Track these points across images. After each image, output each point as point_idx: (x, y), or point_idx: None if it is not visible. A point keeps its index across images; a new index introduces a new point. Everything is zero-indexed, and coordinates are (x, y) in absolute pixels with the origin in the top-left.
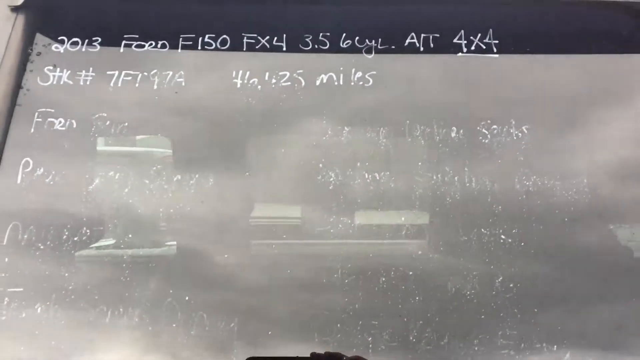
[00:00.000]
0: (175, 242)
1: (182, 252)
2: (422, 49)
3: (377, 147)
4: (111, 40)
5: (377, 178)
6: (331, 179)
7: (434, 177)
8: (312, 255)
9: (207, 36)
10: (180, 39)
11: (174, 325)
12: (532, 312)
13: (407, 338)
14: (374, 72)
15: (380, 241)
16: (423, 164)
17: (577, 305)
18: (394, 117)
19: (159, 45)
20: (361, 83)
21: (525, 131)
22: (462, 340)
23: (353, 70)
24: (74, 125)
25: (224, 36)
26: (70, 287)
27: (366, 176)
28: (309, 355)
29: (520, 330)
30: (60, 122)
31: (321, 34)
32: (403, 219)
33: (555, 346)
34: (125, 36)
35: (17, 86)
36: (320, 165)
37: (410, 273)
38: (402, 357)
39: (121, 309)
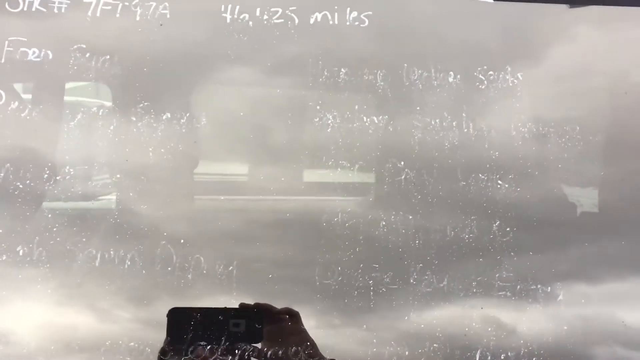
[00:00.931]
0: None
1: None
2: None
3: (375, 89)
4: None
5: (376, 121)
6: (329, 122)
7: (432, 122)
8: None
9: None
10: None
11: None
12: (527, 255)
13: (408, 281)
14: (370, 13)
15: (382, 184)
16: (421, 108)
17: (571, 248)
18: (391, 60)
19: None
20: (357, 23)
21: (521, 78)
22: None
23: (348, 9)
24: (50, 57)
25: None
26: (54, 229)
27: (365, 119)
28: (237, 307)
29: (516, 272)
30: (34, 52)
31: None
32: (402, 163)
33: (549, 287)
34: None
35: None
36: (318, 107)
37: (410, 217)
38: (403, 299)
39: (112, 252)
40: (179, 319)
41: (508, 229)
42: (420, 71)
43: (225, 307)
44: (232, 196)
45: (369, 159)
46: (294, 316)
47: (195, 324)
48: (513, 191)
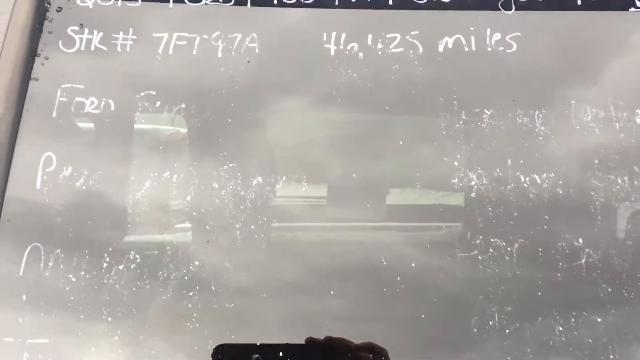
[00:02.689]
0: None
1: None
2: (579, 2)
3: (534, 137)
4: None
5: (538, 181)
6: (473, 183)
7: (619, 181)
8: None
9: None
10: None
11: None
12: None
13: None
14: (518, 34)
15: (553, 271)
16: (601, 162)
17: None
18: (552, 95)
19: None
20: (501, 48)
21: None
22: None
23: (488, 31)
24: (112, 107)
25: None
26: (115, 338)
27: (522, 179)
28: (303, 342)
29: None
30: (92, 102)
31: None
32: (580, 241)
33: None
34: None
35: (32, 53)
36: (456, 163)
37: (599, 318)
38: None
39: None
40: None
41: None
42: (594, 110)
43: (287, 344)
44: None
45: (532, 234)
46: (379, 353)
47: None
48: None
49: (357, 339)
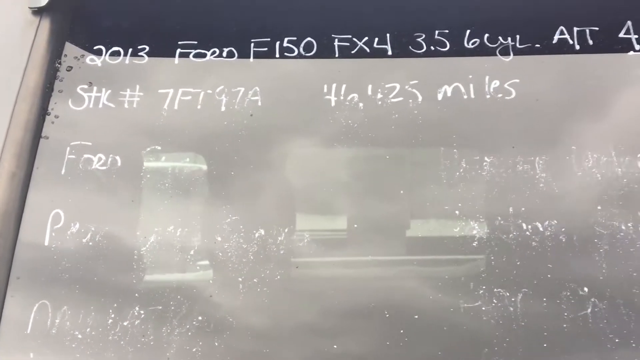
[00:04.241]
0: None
1: None
2: (577, 47)
3: (535, 184)
4: (163, 49)
5: (541, 229)
6: (474, 232)
7: (622, 227)
8: None
9: (286, 39)
10: (252, 44)
11: None
12: None
13: None
14: (516, 81)
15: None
16: (604, 208)
17: None
18: (553, 142)
19: (224, 54)
20: (500, 95)
21: None
22: None
23: (487, 78)
24: (119, 163)
25: (309, 39)
26: None
27: (524, 227)
28: None
29: None
30: (100, 159)
31: (437, 32)
32: (582, 291)
33: None
34: (180, 43)
35: (43, 112)
36: (457, 212)
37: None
38: None
39: None
40: None
41: None
42: (596, 155)
43: None
44: None
45: (536, 284)
46: None
47: None
48: None
49: None
